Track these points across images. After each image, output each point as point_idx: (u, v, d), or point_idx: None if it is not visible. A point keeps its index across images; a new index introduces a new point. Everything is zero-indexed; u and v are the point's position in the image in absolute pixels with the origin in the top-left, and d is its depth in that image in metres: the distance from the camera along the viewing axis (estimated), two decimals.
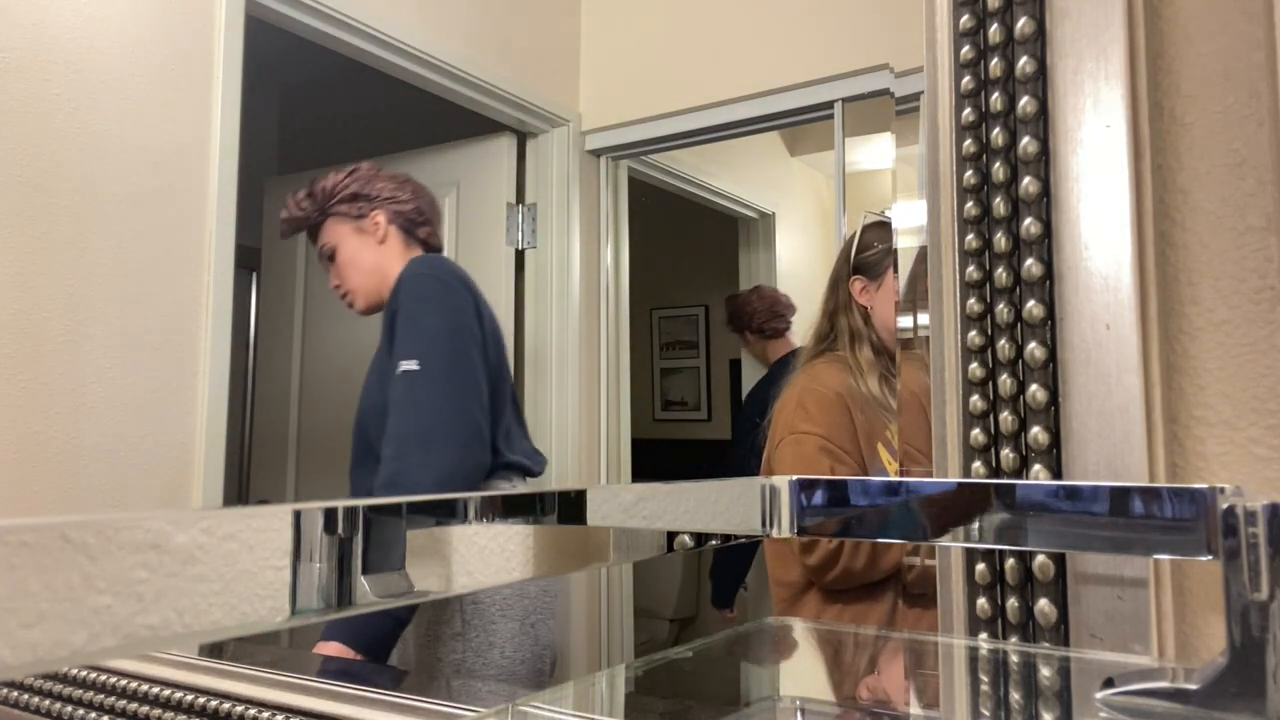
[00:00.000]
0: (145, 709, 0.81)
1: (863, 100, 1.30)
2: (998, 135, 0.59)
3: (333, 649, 1.14)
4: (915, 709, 0.61)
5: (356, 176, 1.42)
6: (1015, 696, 0.55)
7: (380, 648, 1.17)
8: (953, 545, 0.58)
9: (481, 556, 0.38)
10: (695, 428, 2.21)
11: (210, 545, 0.29)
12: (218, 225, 1.31)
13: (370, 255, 1.39)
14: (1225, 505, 0.43)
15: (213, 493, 1.29)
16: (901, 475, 0.80)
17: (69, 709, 0.86)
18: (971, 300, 0.60)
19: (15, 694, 0.90)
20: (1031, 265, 0.58)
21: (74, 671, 0.86)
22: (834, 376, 1.10)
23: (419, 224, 1.41)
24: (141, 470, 1.23)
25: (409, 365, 1.22)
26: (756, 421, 1.15)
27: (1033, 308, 0.57)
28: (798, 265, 1.77)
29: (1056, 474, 0.56)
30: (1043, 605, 0.55)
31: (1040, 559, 0.56)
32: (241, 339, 1.69)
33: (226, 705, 0.76)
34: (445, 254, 1.64)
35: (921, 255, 0.66)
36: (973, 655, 0.59)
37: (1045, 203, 0.58)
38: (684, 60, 1.57)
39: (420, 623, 1.26)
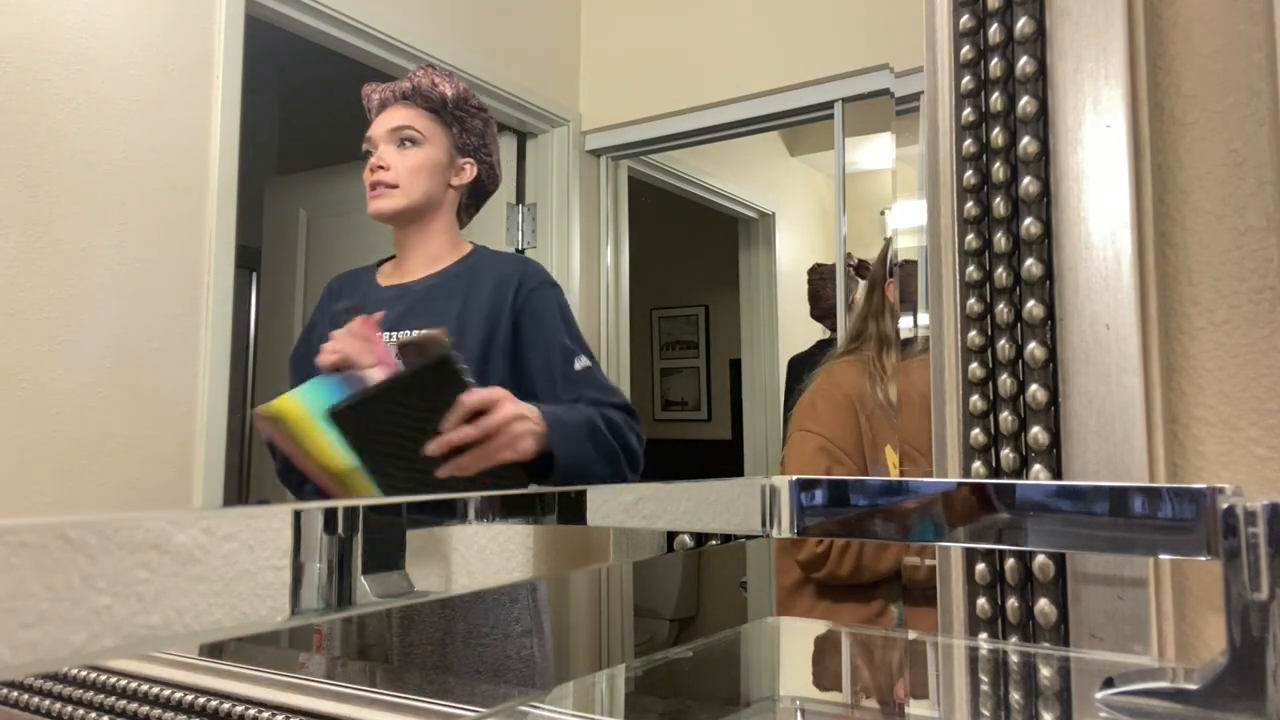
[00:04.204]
0: (145, 709, 0.81)
1: (863, 100, 1.30)
2: (998, 135, 0.59)
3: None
4: (915, 709, 0.61)
5: (488, 120, 1.34)
6: (1015, 696, 0.55)
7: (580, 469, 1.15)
8: (953, 545, 0.58)
9: (482, 556, 0.38)
10: (695, 428, 2.21)
11: (210, 545, 0.29)
12: (218, 225, 1.31)
13: (440, 187, 1.30)
14: (1225, 505, 0.43)
15: (213, 493, 1.29)
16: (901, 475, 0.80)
17: (69, 709, 0.86)
18: (971, 300, 0.60)
19: (15, 694, 0.90)
20: (1031, 265, 0.58)
21: (74, 671, 0.86)
22: (850, 378, 1.11)
23: (476, 203, 1.36)
24: (141, 470, 1.23)
25: (583, 364, 1.23)
26: None
27: (1033, 308, 0.57)
28: (798, 265, 1.77)
29: (1056, 474, 0.56)
30: (1043, 605, 0.55)
31: (1040, 559, 0.56)
32: (241, 339, 1.69)
33: (226, 705, 0.76)
34: None
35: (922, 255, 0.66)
36: (973, 655, 0.59)
37: (1045, 203, 0.58)
38: (684, 60, 1.58)
39: (488, 620, 1.25)
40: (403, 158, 1.27)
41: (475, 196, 1.35)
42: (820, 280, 1.54)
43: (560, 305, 1.28)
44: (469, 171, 1.31)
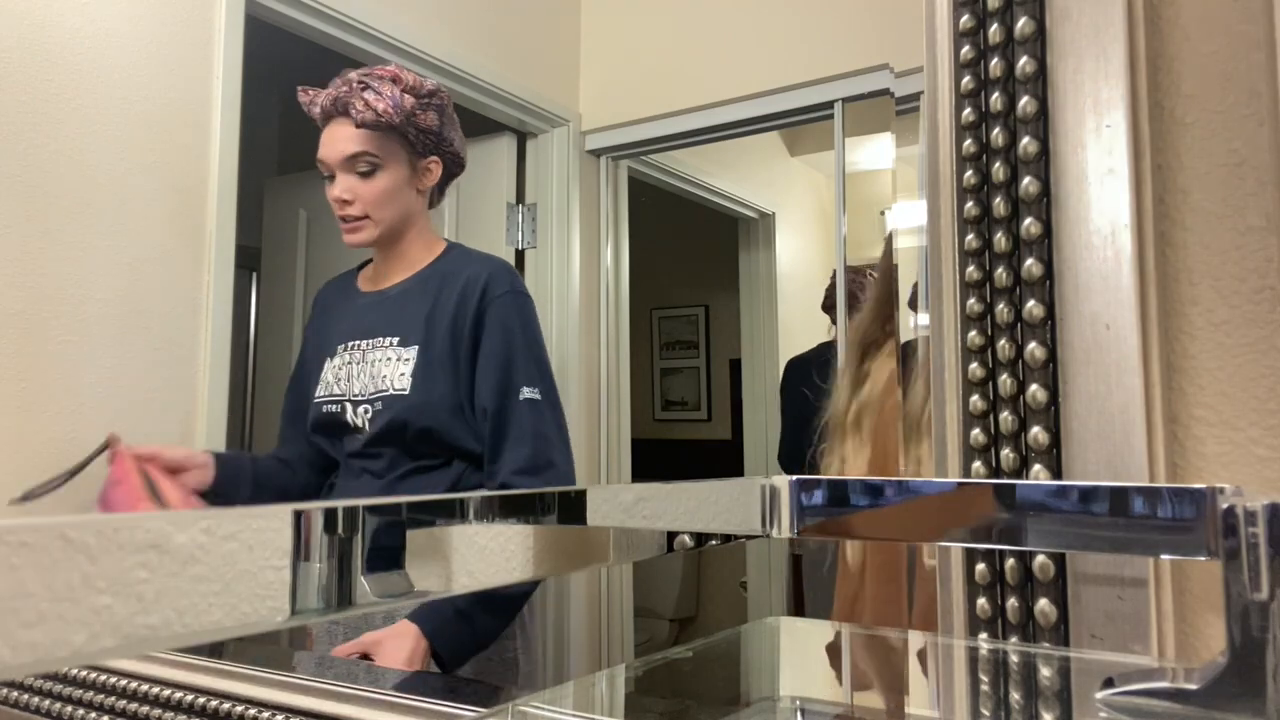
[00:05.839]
0: (145, 709, 0.81)
1: (863, 100, 1.30)
2: (998, 135, 0.59)
3: (410, 637, 1.11)
4: (915, 709, 0.61)
5: (442, 106, 1.26)
6: (1015, 696, 0.55)
7: (454, 654, 1.14)
8: (953, 545, 0.58)
9: (482, 556, 0.38)
10: (695, 428, 2.21)
11: (210, 545, 0.29)
12: (218, 225, 1.31)
13: (410, 199, 1.26)
14: (1225, 505, 0.43)
15: None
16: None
17: (69, 709, 0.86)
18: (971, 300, 0.60)
19: (15, 694, 0.90)
20: (1031, 265, 0.58)
21: (74, 671, 0.86)
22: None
23: (444, 187, 1.32)
24: None
25: (533, 394, 1.19)
26: None
27: (1033, 308, 0.57)
28: (798, 265, 1.77)
29: (1056, 474, 0.56)
30: (1043, 605, 0.55)
31: (1040, 559, 0.56)
32: (241, 339, 1.69)
33: (226, 705, 0.76)
34: None
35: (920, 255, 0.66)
36: (973, 655, 0.59)
37: (1045, 203, 0.58)
38: (684, 60, 1.58)
39: None
40: (366, 186, 1.23)
41: (443, 183, 1.32)
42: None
43: (523, 320, 1.23)
44: (435, 171, 1.28)
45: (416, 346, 1.21)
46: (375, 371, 1.22)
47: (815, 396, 1.13)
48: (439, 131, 1.26)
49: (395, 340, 1.23)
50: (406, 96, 1.23)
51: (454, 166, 1.31)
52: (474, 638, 1.17)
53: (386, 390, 1.20)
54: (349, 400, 1.23)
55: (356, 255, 1.33)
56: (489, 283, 1.22)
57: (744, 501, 0.57)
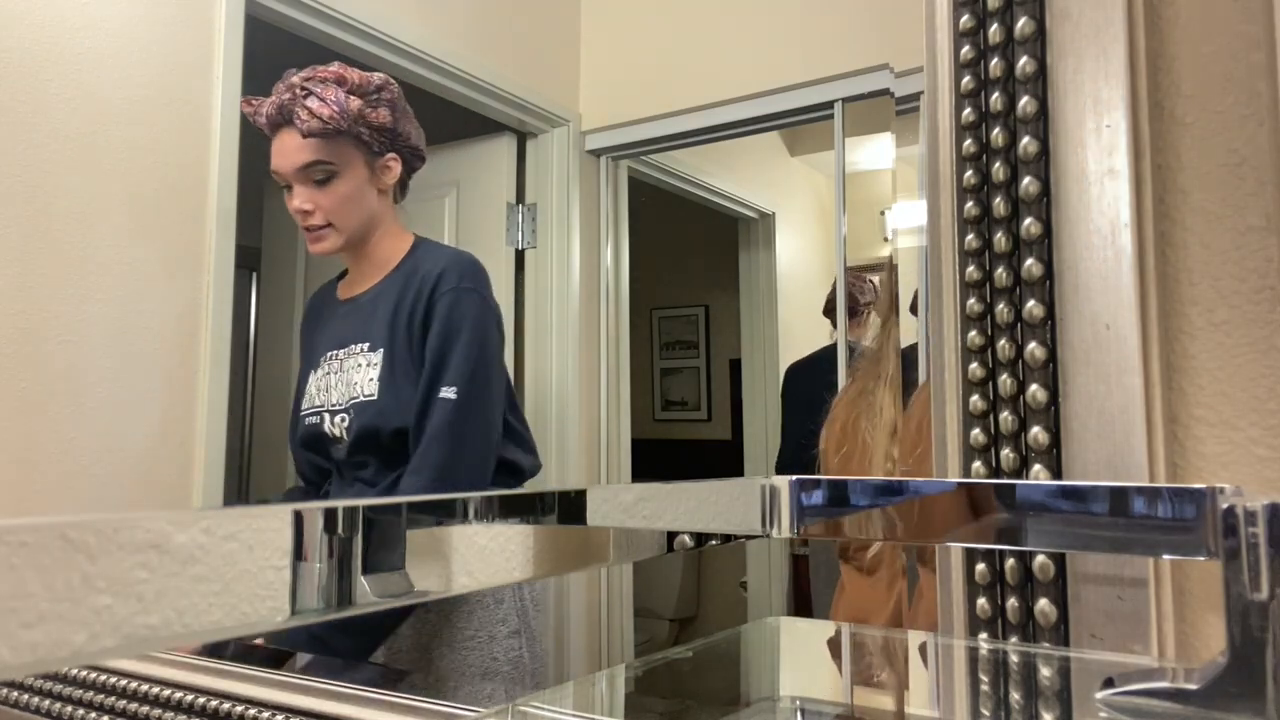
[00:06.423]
0: (145, 709, 0.81)
1: (863, 100, 1.30)
2: (998, 135, 0.59)
3: None
4: (915, 709, 0.61)
5: (393, 101, 1.23)
6: (1015, 696, 0.55)
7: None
8: (953, 545, 0.58)
9: (481, 556, 0.38)
10: (695, 428, 2.21)
11: (210, 545, 0.29)
12: (218, 225, 1.31)
13: (372, 201, 1.24)
14: (1225, 505, 0.43)
15: (213, 493, 1.29)
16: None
17: (69, 709, 0.86)
18: (971, 300, 0.60)
19: (15, 694, 0.90)
20: (1031, 265, 0.58)
21: (74, 671, 0.86)
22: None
23: (405, 186, 1.30)
24: (141, 470, 1.23)
25: (449, 393, 1.16)
26: None
27: (1033, 308, 0.57)
28: (797, 265, 1.77)
29: (1056, 474, 0.56)
30: (1043, 605, 0.55)
31: (1040, 559, 0.56)
32: (241, 339, 1.69)
33: (226, 705, 0.76)
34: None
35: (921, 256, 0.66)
36: (973, 655, 0.59)
37: (1045, 203, 0.58)
38: (684, 60, 1.57)
39: (472, 622, 1.23)
40: (325, 195, 1.21)
41: (405, 178, 1.30)
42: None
43: (466, 317, 1.21)
44: (394, 168, 1.26)
45: (383, 350, 1.21)
46: (349, 379, 1.22)
47: (821, 403, 1.12)
48: (393, 128, 1.24)
49: (365, 346, 1.23)
50: (352, 98, 1.20)
51: (414, 160, 1.29)
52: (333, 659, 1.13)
53: (358, 397, 1.20)
54: (327, 410, 1.23)
55: None
56: (440, 278, 1.21)
57: (744, 501, 0.57)
